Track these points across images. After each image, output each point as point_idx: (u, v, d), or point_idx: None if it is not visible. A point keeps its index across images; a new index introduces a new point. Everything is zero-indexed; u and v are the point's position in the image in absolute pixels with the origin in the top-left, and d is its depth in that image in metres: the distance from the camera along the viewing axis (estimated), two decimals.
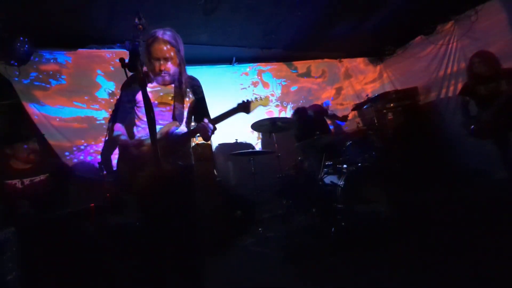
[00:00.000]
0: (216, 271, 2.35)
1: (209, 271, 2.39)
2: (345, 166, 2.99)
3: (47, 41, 3.04)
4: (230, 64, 4.54)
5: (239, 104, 1.66)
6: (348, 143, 3.44)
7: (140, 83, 1.06)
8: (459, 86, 4.14)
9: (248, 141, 4.43)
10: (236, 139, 4.24)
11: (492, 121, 2.69)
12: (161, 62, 1.54)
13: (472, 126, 2.86)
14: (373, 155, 3.20)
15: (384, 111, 4.40)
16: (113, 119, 1.64)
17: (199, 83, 1.75)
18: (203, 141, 3.74)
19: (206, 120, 1.53)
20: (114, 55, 3.49)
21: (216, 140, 4.21)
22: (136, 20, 1.13)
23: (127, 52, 1.06)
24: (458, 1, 3.79)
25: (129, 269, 1.85)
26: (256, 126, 3.19)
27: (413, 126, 4.24)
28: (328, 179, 3.03)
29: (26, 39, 2.78)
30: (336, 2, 3.31)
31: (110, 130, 1.63)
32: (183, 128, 1.64)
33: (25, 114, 2.96)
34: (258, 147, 4.52)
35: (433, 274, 1.74)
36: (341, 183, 2.76)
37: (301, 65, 5.11)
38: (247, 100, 1.67)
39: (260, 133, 4.46)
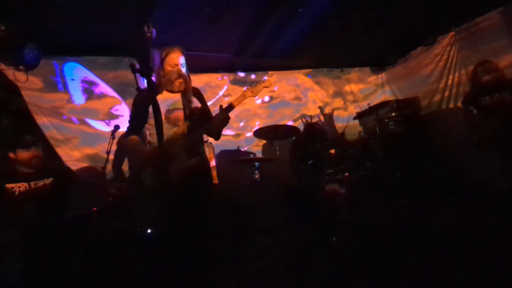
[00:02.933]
0: (216, 280, 2.33)
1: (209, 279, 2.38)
2: (346, 174, 2.99)
3: (55, 48, 3.11)
4: (233, 72, 4.61)
5: (245, 90, 1.76)
6: (350, 151, 3.45)
7: (149, 87, 1.09)
8: (460, 96, 4.18)
9: (250, 148, 4.45)
10: (238, 146, 4.26)
11: (496, 131, 2.66)
12: (179, 67, 1.72)
13: (476, 136, 2.83)
14: (375, 164, 3.21)
15: (386, 120, 4.43)
16: (128, 133, 1.78)
17: (201, 92, 1.93)
18: (205, 147, 3.80)
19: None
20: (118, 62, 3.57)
21: (218, 147, 4.23)
22: (146, 29, 1.18)
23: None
24: (458, 13, 3.86)
25: (131, 273, 1.85)
26: (258, 133, 3.21)
27: (415, 135, 4.25)
28: (329, 187, 3.03)
29: (35, 46, 2.85)
30: (338, 12, 3.38)
31: (128, 141, 1.75)
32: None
33: (31, 119, 3.00)
34: (259, 154, 4.53)
35: (435, 283, 1.73)
36: (343, 191, 2.76)
37: (302, 73, 5.19)
38: (250, 86, 1.77)
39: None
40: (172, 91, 1.76)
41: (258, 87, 1.75)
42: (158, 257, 1.54)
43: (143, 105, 1.70)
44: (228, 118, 1.70)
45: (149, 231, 1.95)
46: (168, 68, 1.71)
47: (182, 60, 1.75)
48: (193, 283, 1.58)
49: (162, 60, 1.72)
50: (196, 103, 1.84)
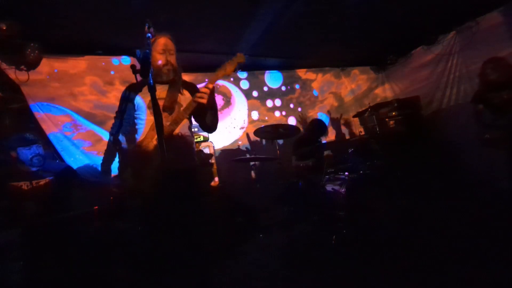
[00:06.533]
0: (216, 278, 2.34)
1: (208, 277, 2.39)
2: (346, 173, 3.00)
3: (56, 48, 3.12)
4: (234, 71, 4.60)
5: (220, 68, 1.66)
6: (350, 150, 3.45)
7: (149, 88, 1.10)
8: (460, 96, 4.18)
9: (250, 147, 4.46)
10: (239, 145, 4.27)
11: (509, 129, 2.54)
12: (167, 54, 1.62)
13: (487, 135, 2.73)
14: (374, 163, 3.21)
15: (386, 119, 4.42)
16: (116, 130, 1.71)
17: (197, 87, 1.80)
18: (205, 147, 3.81)
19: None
20: (120, 62, 3.59)
21: (218, 145, 4.24)
22: (146, 29, 1.18)
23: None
24: (459, 12, 3.85)
25: (130, 272, 1.86)
26: (259, 133, 3.22)
27: (415, 134, 4.25)
28: (329, 186, 3.03)
29: (36, 45, 2.86)
30: (338, 12, 3.38)
31: (114, 141, 1.70)
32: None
33: (32, 118, 3.02)
34: (260, 153, 4.53)
35: (434, 283, 1.74)
36: (343, 190, 2.76)
37: (303, 73, 5.20)
38: (225, 63, 1.68)
39: (263, 140, 4.49)
40: (161, 82, 1.64)
41: (231, 64, 1.68)
42: (157, 256, 1.53)
43: (129, 102, 1.65)
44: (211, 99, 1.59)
45: (147, 229, 1.94)
46: (156, 55, 1.61)
47: (171, 46, 1.65)
48: (193, 282, 1.59)
49: (152, 47, 1.59)
50: (188, 97, 1.70)
